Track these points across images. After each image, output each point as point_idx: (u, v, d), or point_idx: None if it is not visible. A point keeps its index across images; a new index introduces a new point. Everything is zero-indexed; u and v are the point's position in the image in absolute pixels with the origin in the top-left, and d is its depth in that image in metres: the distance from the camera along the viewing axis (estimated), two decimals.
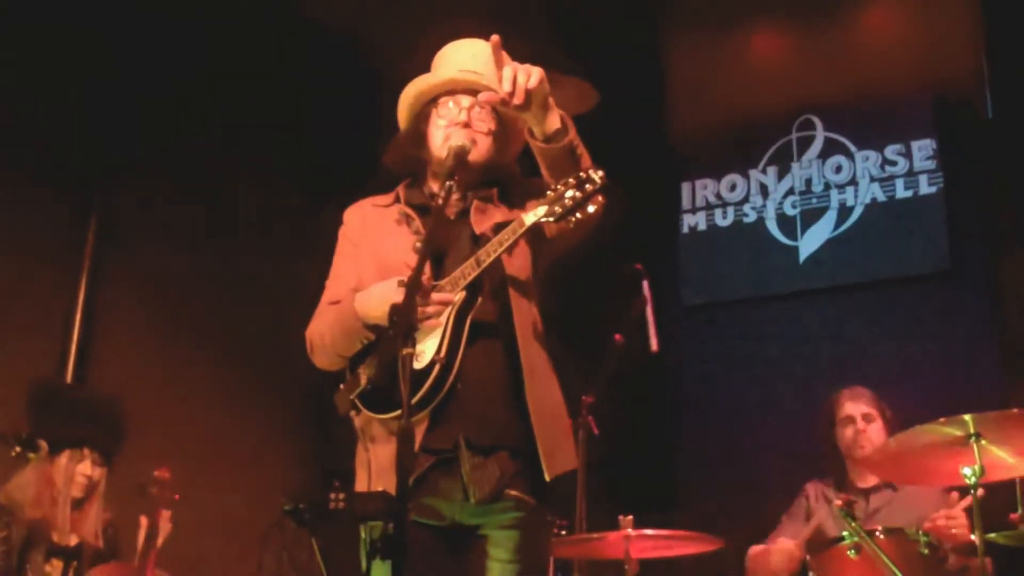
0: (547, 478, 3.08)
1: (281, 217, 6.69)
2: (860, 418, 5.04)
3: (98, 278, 6.31)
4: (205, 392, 6.36)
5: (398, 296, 2.91)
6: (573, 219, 3.02)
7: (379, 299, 3.08)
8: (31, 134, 6.09)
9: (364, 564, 2.82)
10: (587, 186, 2.99)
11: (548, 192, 3.04)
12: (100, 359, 6.21)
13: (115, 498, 4.95)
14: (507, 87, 3.01)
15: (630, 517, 4.51)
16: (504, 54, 3.10)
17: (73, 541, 4.71)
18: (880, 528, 4.26)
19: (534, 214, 3.05)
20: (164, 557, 4.63)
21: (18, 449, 4.12)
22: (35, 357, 5.96)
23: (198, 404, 6.32)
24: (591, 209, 3.00)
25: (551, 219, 3.02)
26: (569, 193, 2.99)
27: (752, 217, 7.10)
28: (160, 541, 4.63)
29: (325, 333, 3.29)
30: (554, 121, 3.10)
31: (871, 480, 5.00)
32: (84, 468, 4.69)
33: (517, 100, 3.00)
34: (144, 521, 4.66)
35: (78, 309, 6.22)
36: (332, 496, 2.76)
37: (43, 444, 4.35)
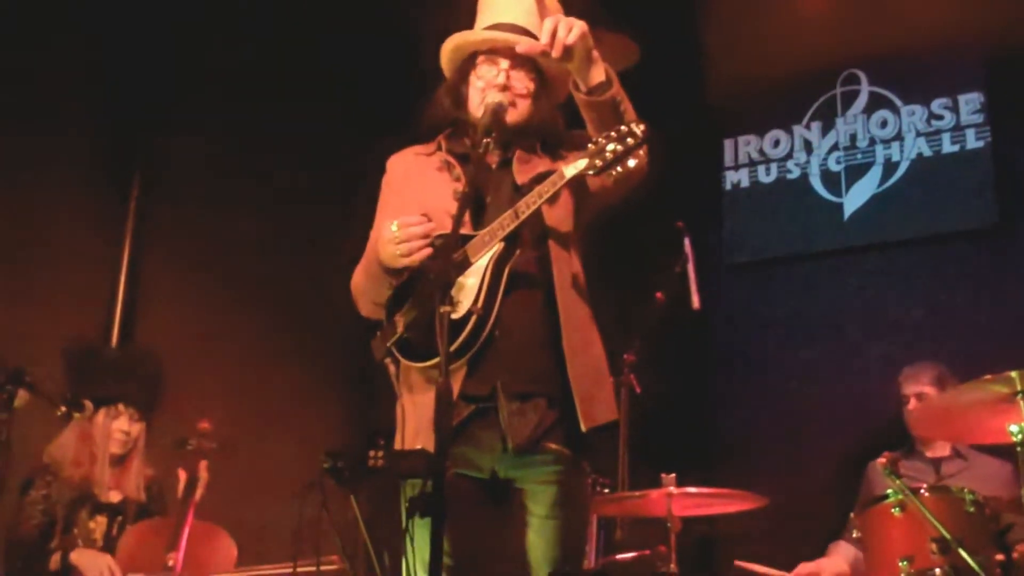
0: (583, 428, 3.06)
1: (324, 170, 6.69)
2: (914, 398, 5.04)
3: (142, 240, 6.37)
4: (249, 349, 6.42)
5: (389, 235, 3.00)
6: (614, 173, 2.99)
7: (382, 242, 3.11)
8: (75, 99, 6.14)
9: (404, 521, 2.84)
10: (628, 140, 2.96)
11: (589, 145, 3.01)
12: (145, 320, 6.28)
13: (161, 455, 5.01)
14: (545, 39, 2.99)
15: (673, 475, 4.50)
16: (550, 4, 3.07)
17: (116, 498, 4.78)
18: (925, 486, 4.22)
19: (574, 167, 3.02)
20: (207, 511, 4.69)
21: (63, 409, 4.16)
22: (82, 319, 6.03)
23: (243, 361, 6.38)
24: (632, 163, 2.97)
25: (591, 172, 3.00)
26: (610, 146, 2.97)
27: (796, 173, 7.02)
28: (200, 492, 4.69)
29: (360, 278, 3.32)
30: (598, 74, 3.08)
31: (940, 450, 5.00)
32: (121, 424, 4.76)
33: (555, 53, 2.98)
34: (183, 473, 4.72)
35: (123, 271, 6.28)
36: (371, 454, 2.77)
37: (88, 403, 4.41)
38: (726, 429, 6.74)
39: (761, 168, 7.11)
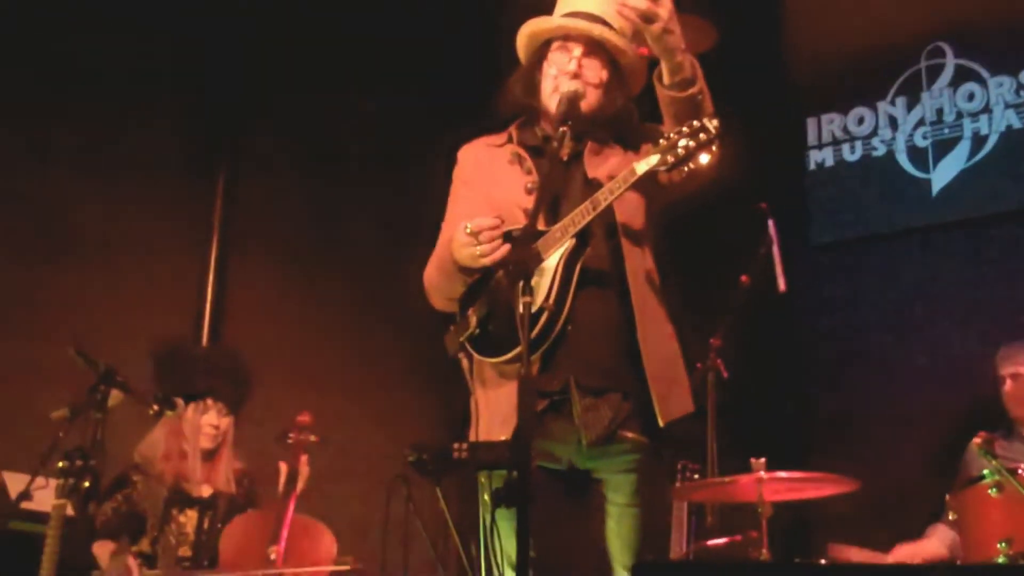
0: (661, 423, 3.05)
1: (403, 162, 6.72)
2: (1009, 379, 4.97)
3: (228, 237, 6.46)
4: (336, 343, 6.48)
5: (464, 238, 3.01)
6: (685, 169, 2.97)
7: (457, 243, 3.11)
8: (162, 100, 6.26)
9: (484, 512, 2.85)
10: (701, 135, 2.93)
11: (661, 140, 2.98)
12: (234, 316, 6.38)
13: (254, 449, 5.08)
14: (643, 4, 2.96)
15: (763, 459, 4.44)
16: None
17: (207, 492, 4.85)
18: (1023, 466, 4.13)
19: (646, 163, 2.99)
20: (301, 503, 4.75)
21: (155, 407, 4.24)
22: (171, 318, 6.15)
23: (330, 355, 6.45)
24: (704, 159, 2.94)
25: (663, 168, 2.97)
26: (682, 142, 2.94)
27: (881, 151, 6.90)
28: (300, 486, 4.75)
29: (433, 275, 3.33)
30: (684, 68, 3.04)
31: None
32: (210, 419, 4.82)
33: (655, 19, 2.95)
34: (284, 467, 4.78)
35: (211, 269, 6.39)
36: (455, 446, 2.78)
37: (179, 402, 4.48)
38: (817, 412, 6.66)
39: (846, 146, 7.00)
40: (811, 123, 7.13)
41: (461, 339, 3.14)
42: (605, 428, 3.05)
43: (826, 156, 7.04)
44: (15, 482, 4.14)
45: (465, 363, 3.18)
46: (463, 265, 3.14)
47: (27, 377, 5.40)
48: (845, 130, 7.02)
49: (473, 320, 3.12)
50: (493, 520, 2.76)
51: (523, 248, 2.81)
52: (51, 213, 5.82)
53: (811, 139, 7.11)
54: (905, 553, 4.80)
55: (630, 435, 3.08)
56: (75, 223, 5.90)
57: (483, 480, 2.98)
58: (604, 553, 3.10)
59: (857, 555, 4.85)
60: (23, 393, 5.30)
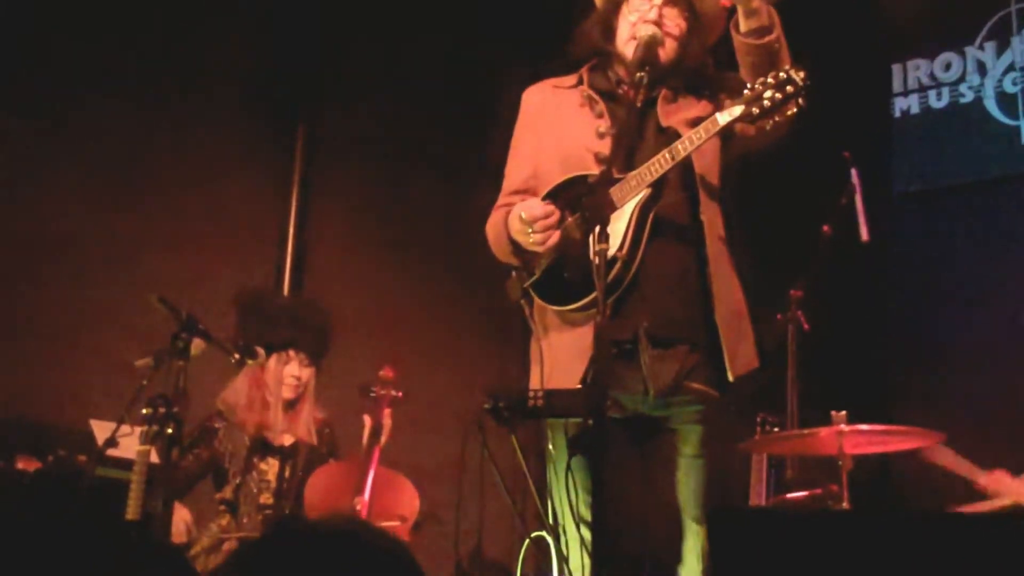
0: (730, 378, 3.05)
1: (476, 108, 6.69)
2: None
3: (308, 191, 6.52)
4: (414, 293, 6.52)
5: (519, 225, 3.02)
6: (770, 121, 2.92)
7: (515, 228, 3.11)
8: (244, 57, 6.32)
9: (549, 461, 2.86)
10: (788, 87, 2.89)
11: (745, 91, 2.94)
12: (314, 268, 6.45)
13: (335, 400, 5.14)
14: None
15: (843, 412, 4.39)
16: None
17: (288, 441, 4.92)
18: None
19: (729, 113, 2.96)
20: (384, 455, 4.80)
21: (237, 356, 4.29)
22: (253, 270, 6.22)
23: (409, 305, 6.49)
24: (790, 112, 2.89)
25: (747, 119, 2.93)
26: (768, 93, 2.90)
27: (969, 97, 6.72)
28: (384, 439, 4.80)
29: (491, 237, 3.33)
30: (760, 14, 3.00)
31: None
32: (292, 369, 4.88)
33: None
34: (368, 420, 4.83)
35: (291, 223, 6.46)
36: (531, 393, 2.78)
37: (260, 351, 4.54)
38: (900, 364, 6.55)
39: (932, 93, 6.83)
40: (896, 69, 6.97)
41: (524, 286, 3.14)
42: (672, 379, 3.05)
43: (912, 103, 6.88)
44: (102, 430, 4.22)
45: (527, 310, 3.18)
46: (520, 245, 3.15)
47: (112, 326, 5.50)
48: (932, 76, 6.85)
49: (536, 267, 3.12)
50: (569, 468, 2.76)
51: (600, 195, 2.78)
52: (135, 165, 5.91)
53: (896, 86, 6.95)
54: (1004, 484, 4.69)
55: (696, 386, 3.08)
56: (156, 175, 5.98)
57: (549, 431, 2.99)
58: (672, 503, 3.10)
59: (952, 461, 4.72)
60: (109, 342, 5.41)
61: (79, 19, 5.73)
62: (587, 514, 2.86)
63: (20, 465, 4.65)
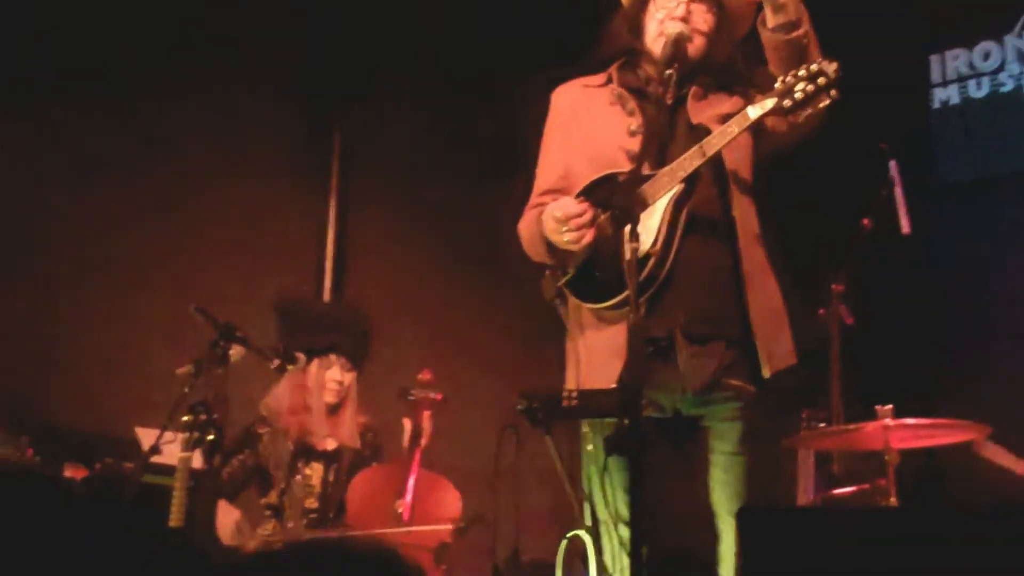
0: (766, 374, 3.03)
1: (511, 109, 6.69)
2: None
3: (346, 196, 6.55)
4: (454, 297, 6.52)
5: (553, 224, 2.99)
6: (803, 114, 2.90)
7: (550, 227, 3.09)
8: (279, 65, 6.36)
9: (587, 461, 2.86)
10: (820, 79, 2.87)
11: (777, 84, 2.93)
12: (354, 273, 6.47)
13: (377, 404, 5.15)
14: None
15: (889, 406, 4.34)
16: None
17: (331, 445, 4.93)
18: None
19: (760, 107, 2.94)
20: (424, 458, 4.80)
21: (277, 362, 4.32)
22: (293, 275, 6.25)
23: (448, 310, 6.49)
24: (822, 104, 2.87)
25: (779, 113, 2.91)
26: (800, 86, 2.89)
27: (1010, 86, 6.63)
28: (424, 441, 4.80)
29: (525, 237, 3.32)
30: (787, 9, 2.98)
31: None
32: (334, 374, 4.90)
33: None
34: (408, 423, 4.84)
35: (330, 228, 6.48)
36: (565, 394, 2.77)
37: (300, 356, 4.56)
38: (946, 358, 6.48)
39: (972, 83, 6.75)
40: (935, 60, 6.90)
41: (559, 284, 3.13)
42: (710, 376, 3.03)
43: (951, 94, 6.80)
44: (147, 437, 4.26)
45: (561, 309, 3.17)
46: (557, 246, 3.13)
47: (155, 335, 5.55)
48: (971, 66, 6.77)
49: (570, 265, 3.11)
50: (605, 468, 2.75)
51: (629, 193, 2.77)
52: (172, 175, 5.96)
53: (935, 77, 6.88)
54: None
55: (734, 383, 3.05)
56: (194, 184, 6.03)
57: (586, 430, 2.98)
58: (711, 502, 3.08)
59: (999, 455, 4.67)
60: (153, 351, 5.46)
61: (119, 25, 5.79)
62: (626, 513, 2.85)
63: (68, 473, 4.71)
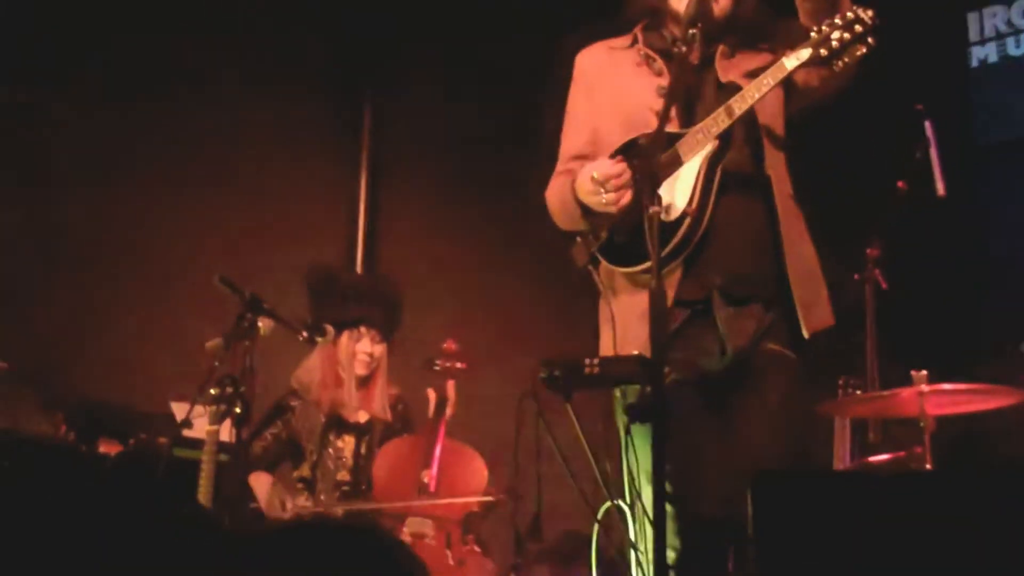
0: (805, 335, 2.98)
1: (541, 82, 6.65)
2: None
3: (378, 171, 6.55)
4: (485, 269, 6.50)
5: (590, 186, 2.93)
6: (840, 64, 2.84)
7: (585, 190, 3.03)
8: (306, 42, 6.36)
9: (619, 427, 2.82)
10: (856, 27, 2.81)
11: (812, 34, 2.86)
12: (385, 247, 6.47)
13: (407, 375, 5.14)
14: None
15: (924, 372, 4.29)
16: None
17: (363, 418, 4.93)
18: None
19: (796, 57, 2.88)
20: (454, 429, 4.79)
21: (305, 334, 4.32)
22: (327, 249, 6.27)
23: (479, 281, 6.47)
24: (860, 53, 2.81)
25: (817, 62, 2.85)
26: (835, 35, 2.82)
27: None
28: (449, 412, 4.79)
29: (555, 206, 3.26)
30: None
31: None
32: (364, 346, 4.88)
33: None
34: (432, 393, 4.83)
35: (361, 202, 6.48)
36: (587, 361, 2.72)
37: (329, 328, 4.55)
38: (985, 322, 6.39)
39: (1010, 40, 6.62)
40: (972, 17, 6.76)
41: (592, 250, 3.09)
42: (749, 338, 2.99)
43: (989, 52, 6.67)
44: (182, 411, 4.28)
45: (595, 274, 3.13)
46: (591, 208, 3.07)
47: (189, 310, 5.57)
48: (1009, 23, 6.63)
49: (603, 229, 3.07)
50: (628, 435, 2.72)
51: (651, 156, 2.72)
52: (202, 146, 5.97)
53: (973, 35, 6.75)
54: None
55: (772, 346, 3.00)
56: (227, 161, 6.04)
57: (618, 395, 2.94)
58: (745, 466, 3.03)
59: None
60: (186, 326, 5.48)
61: (148, 10, 5.80)
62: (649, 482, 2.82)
63: (102, 448, 4.75)
